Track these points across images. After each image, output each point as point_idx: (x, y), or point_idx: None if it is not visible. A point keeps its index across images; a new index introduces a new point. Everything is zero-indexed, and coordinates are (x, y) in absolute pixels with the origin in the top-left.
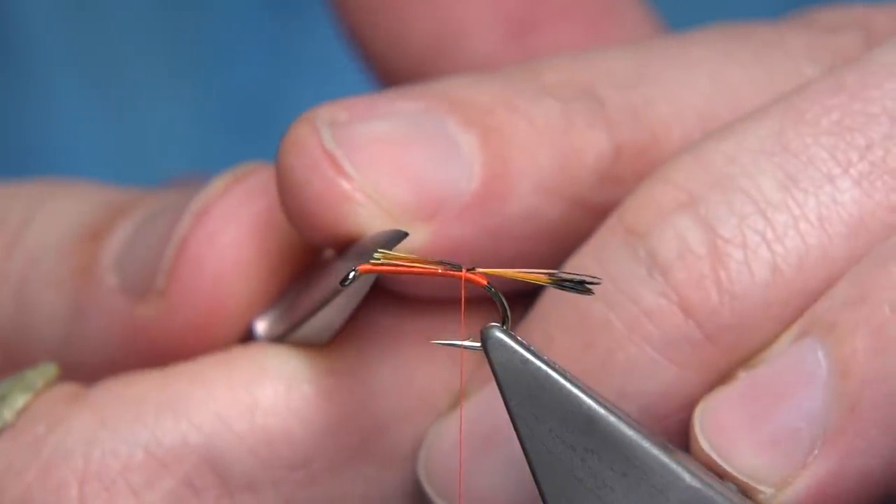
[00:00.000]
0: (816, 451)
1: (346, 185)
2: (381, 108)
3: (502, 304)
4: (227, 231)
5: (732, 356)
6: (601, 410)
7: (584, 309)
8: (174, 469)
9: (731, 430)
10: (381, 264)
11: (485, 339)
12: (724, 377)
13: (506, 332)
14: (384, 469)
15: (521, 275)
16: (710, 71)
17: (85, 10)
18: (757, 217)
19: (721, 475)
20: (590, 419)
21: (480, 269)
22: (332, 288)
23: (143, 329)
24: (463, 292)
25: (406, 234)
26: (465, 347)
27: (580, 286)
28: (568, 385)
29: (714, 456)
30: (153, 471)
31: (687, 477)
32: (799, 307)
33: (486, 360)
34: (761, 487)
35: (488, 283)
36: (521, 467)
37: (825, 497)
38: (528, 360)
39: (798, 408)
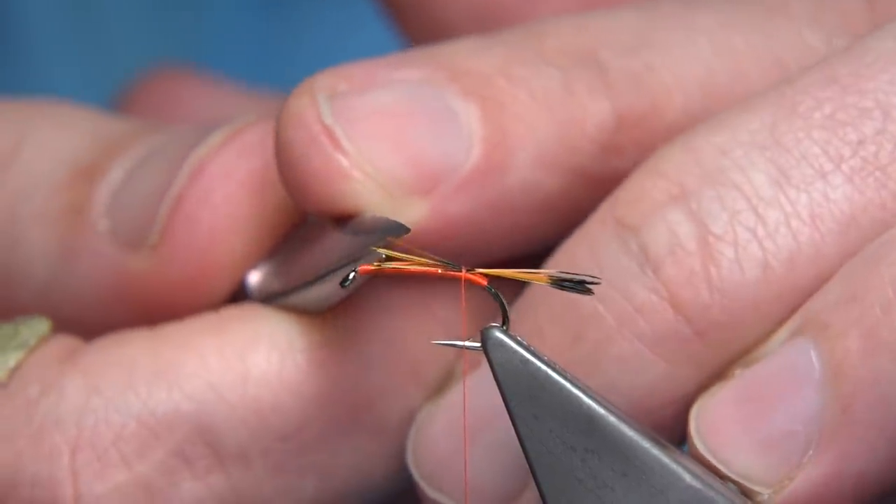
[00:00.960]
0: (811, 452)
1: (343, 161)
2: (381, 77)
3: (502, 304)
4: (223, 188)
5: (723, 353)
6: (601, 411)
7: (574, 301)
8: (166, 439)
9: (726, 431)
10: (382, 265)
11: (484, 339)
12: (715, 374)
13: (506, 333)
14: (374, 440)
15: (520, 275)
16: (713, 37)
17: (84, 10)
18: (748, 213)
19: (719, 476)
20: (590, 419)
21: (480, 270)
22: (330, 270)
23: (134, 281)
24: (463, 293)
25: (408, 230)
26: (466, 348)
27: (580, 286)
28: (568, 385)
29: (710, 458)
30: (145, 441)
31: (687, 477)
32: (790, 304)
33: (485, 359)
34: (757, 488)
35: (488, 283)
36: (504, 453)
37: (822, 497)
38: (527, 360)
39: (792, 409)
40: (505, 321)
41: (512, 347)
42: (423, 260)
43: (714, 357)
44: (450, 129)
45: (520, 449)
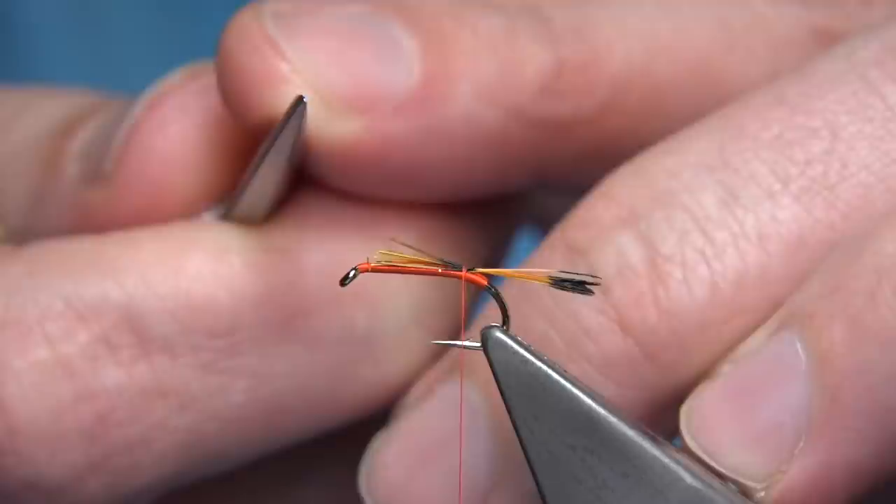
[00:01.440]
0: (802, 444)
1: (284, 66)
2: (328, 6)
3: (502, 304)
4: (178, 121)
5: (672, 374)
6: (601, 410)
7: (525, 323)
8: (92, 324)
9: (715, 427)
10: (382, 264)
11: (485, 339)
12: (667, 396)
13: (506, 333)
14: (309, 351)
15: (520, 274)
16: None
17: (85, 11)
18: (697, 234)
19: (716, 474)
20: (590, 419)
21: (480, 270)
22: (260, 157)
23: (92, 213)
24: (463, 293)
25: (304, 102)
26: (465, 347)
27: (580, 286)
28: (568, 385)
29: (701, 454)
30: (71, 323)
31: (687, 477)
32: (739, 326)
33: (486, 360)
34: (750, 483)
35: (489, 283)
36: (457, 480)
37: (817, 489)
38: (528, 360)
39: (781, 402)
40: (505, 321)
41: (512, 347)
42: (423, 259)
43: (663, 379)
44: (391, 55)
45: (471, 476)
